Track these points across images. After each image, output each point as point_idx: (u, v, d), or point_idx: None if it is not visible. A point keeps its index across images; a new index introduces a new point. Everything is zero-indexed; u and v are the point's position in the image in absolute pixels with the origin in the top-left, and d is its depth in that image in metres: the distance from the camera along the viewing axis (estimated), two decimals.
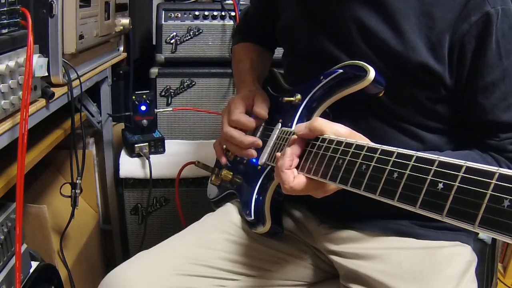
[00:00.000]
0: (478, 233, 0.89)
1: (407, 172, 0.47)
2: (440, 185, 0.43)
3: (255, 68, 0.99)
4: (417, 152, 0.48)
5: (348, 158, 0.57)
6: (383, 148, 0.53)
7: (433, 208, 0.43)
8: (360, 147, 0.56)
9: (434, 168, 0.45)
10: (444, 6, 0.69)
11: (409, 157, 0.48)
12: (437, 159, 0.45)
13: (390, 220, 0.80)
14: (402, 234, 0.80)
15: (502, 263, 1.75)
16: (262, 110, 0.86)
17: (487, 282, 1.01)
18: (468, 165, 0.42)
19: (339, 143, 0.60)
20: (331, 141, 0.62)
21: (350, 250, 0.81)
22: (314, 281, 0.91)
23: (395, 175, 0.49)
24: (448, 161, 0.44)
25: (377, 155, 0.53)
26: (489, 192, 0.38)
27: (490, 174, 0.39)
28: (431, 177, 0.44)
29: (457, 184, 0.41)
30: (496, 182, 0.38)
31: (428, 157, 0.46)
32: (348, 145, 0.58)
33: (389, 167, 0.50)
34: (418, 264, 0.76)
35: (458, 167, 0.42)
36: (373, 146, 0.55)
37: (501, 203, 0.37)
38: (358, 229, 0.82)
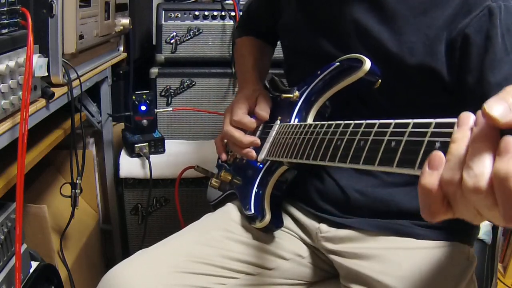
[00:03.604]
0: (478, 233, 0.89)
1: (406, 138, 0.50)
2: (393, 143, 0.49)
3: (258, 66, 1.00)
4: (380, 120, 0.52)
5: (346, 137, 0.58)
6: (355, 122, 0.56)
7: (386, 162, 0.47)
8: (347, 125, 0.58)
9: (390, 130, 0.50)
10: (444, 4, 0.69)
11: (387, 125, 0.51)
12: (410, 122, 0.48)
13: (390, 220, 0.80)
14: (402, 234, 0.80)
15: (502, 263, 1.75)
16: (263, 111, 0.87)
17: (487, 282, 1.02)
18: (415, 121, 0.46)
19: (337, 125, 0.60)
20: (329, 125, 0.62)
21: (350, 249, 0.81)
22: (314, 281, 0.91)
23: (362, 143, 0.52)
24: (399, 122, 0.49)
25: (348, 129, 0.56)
26: (386, 137, 0.46)
27: (427, 125, 0.45)
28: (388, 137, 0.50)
29: (405, 138, 0.47)
30: (433, 130, 0.43)
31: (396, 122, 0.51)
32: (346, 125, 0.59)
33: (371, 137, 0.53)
34: (417, 264, 0.77)
35: (405, 125, 0.48)
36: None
37: (434, 146, 0.42)
38: (357, 228, 0.82)
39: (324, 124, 0.63)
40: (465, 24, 0.67)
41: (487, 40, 0.66)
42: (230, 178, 0.93)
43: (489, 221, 0.40)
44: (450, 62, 0.70)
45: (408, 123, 0.48)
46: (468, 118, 0.38)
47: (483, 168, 0.34)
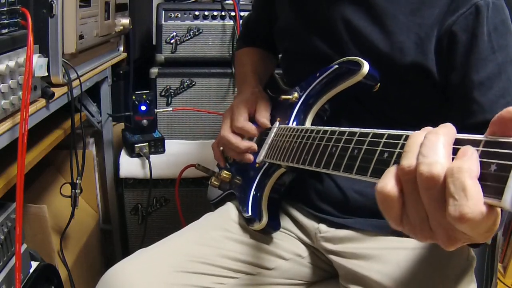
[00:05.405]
0: None
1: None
2: (356, 151, 0.51)
3: (257, 69, 0.99)
4: (374, 130, 0.51)
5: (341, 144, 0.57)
6: (350, 130, 0.55)
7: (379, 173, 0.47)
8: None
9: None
10: (433, 3, 0.69)
11: (366, 134, 0.51)
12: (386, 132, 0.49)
13: None
14: (401, 234, 0.80)
15: (502, 263, 1.75)
16: (264, 118, 0.86)
17: (487, 282, 1.02)
18: (408, 133, 0.45)
19: (333, 132, 0.60)
20: (325, 131, 0.61)
21: (349, 250, 0.81)
22: (313, 281, 0.91)
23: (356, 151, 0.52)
24: (392, 133, 0.48)
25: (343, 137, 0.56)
26: (379, 148, 0.47)
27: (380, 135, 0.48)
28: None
29: (364, 147, 0.50)
30: (385, 141, 0.47)
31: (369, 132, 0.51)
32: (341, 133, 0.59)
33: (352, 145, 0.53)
34: (416, 265, 0.77)
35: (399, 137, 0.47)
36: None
37: (383, 155, 0.46)
38: (357, 229, 0.82)
39: (320, 130, 0.63)
40: (452, 21, 0.67)
41: (472, 38, 0.66)
42: (229, 177, 0.93)
43: (430, 239, 0.41)
44: (439, 60, 0.70)
45: (401, 135, 0.48)
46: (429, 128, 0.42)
47: (436, 157, 0.37)
